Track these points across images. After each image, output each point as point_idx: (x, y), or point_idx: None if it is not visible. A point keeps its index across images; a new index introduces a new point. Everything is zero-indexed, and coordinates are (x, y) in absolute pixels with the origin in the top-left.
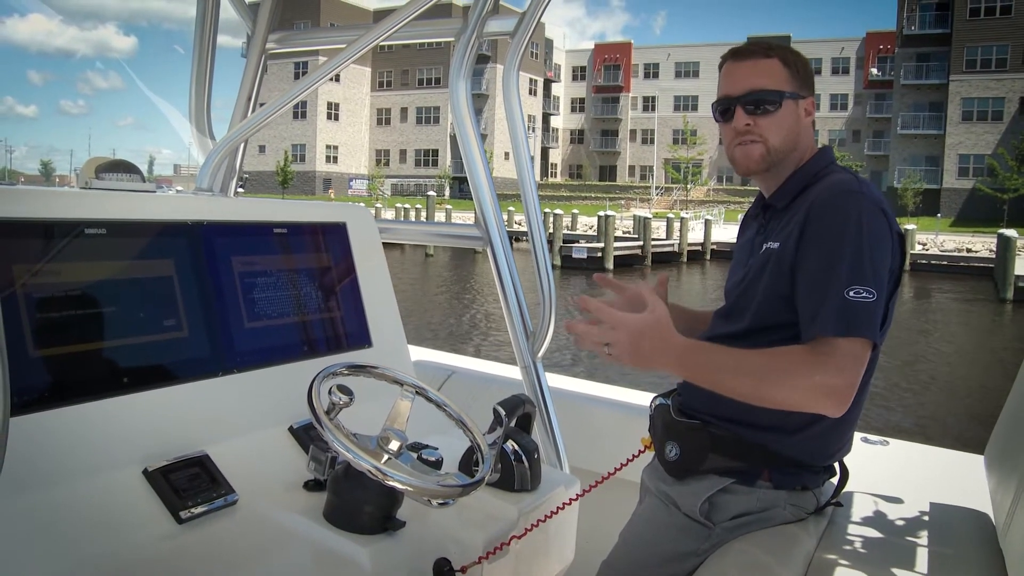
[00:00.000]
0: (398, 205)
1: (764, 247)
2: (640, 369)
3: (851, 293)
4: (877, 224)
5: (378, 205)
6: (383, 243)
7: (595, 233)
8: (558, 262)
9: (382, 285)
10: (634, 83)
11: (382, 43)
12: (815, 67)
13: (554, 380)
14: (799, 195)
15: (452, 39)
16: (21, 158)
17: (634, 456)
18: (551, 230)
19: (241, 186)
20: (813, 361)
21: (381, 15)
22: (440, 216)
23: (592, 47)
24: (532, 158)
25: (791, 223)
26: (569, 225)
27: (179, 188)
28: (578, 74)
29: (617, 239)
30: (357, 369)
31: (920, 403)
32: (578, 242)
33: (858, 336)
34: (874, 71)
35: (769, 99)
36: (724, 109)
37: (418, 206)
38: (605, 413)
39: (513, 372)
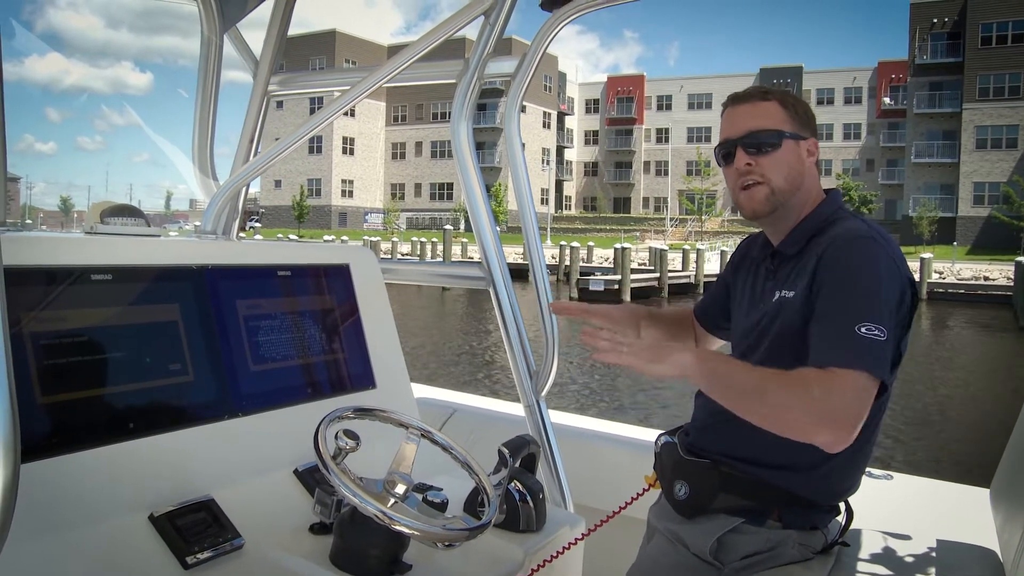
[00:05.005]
0: (414, 239)
1: (777, 295)
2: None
3: (862, 329)
4: (890, 269)
5: (394, 239)
6: (388, 283)
7: (611, 265)
8: (575, 295)
9: (385, 325)
10: (647, 115)
11: (386, 84)
12: (828, 97)
13: (556, 416)
14: (810, 241)
15: (454, 81)
16: (40, 194)
17: (639, 494)
18: (567, 263)
19: (257, 220)
20: (820, 382)
21: (395, 50)
22: (456, 249)
23: (605, 80)
24: (546, 190)
25: (805, 271)
26: (585, 257)
27: (197, 223)
28: (591, 107)
29: (633, 271)
30: (363, 412)
31: (933, 435)
32: (594, 274)
33: (864, 370)
34: (887, 100)
35: (768, 138)
36: (726, 152)
37: (434, 240)
38: (609, 449)
39: (513, 408)
